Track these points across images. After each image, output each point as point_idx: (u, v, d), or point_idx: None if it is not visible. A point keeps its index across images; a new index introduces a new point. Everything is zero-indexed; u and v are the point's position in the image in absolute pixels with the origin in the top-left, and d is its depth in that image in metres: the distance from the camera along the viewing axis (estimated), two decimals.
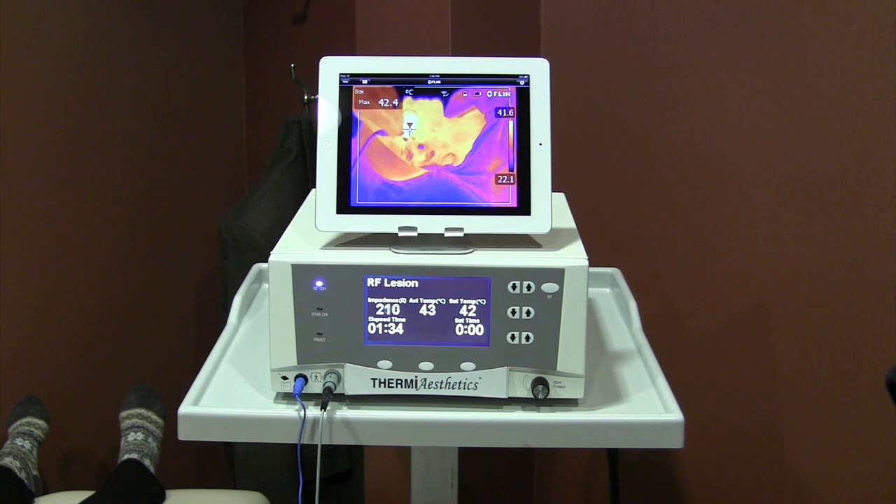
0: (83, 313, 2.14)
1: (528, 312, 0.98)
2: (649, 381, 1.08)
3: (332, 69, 1.03)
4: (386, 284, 0.98)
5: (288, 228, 1.09)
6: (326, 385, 0.99)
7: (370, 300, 0.98)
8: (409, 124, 1.03)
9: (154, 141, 2.27)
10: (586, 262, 0.97)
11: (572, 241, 1.04)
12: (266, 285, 1.33)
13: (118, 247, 2.21)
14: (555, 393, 0.99)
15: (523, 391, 1.00)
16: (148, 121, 2.25)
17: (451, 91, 1.03)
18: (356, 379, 0.99)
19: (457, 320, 0.98)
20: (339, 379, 0.99)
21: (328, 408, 0.98)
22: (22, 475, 1.67)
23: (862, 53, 1.32)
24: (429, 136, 1.02)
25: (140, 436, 1.74)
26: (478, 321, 0.98)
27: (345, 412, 0.99)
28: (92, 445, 2.15)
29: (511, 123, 1.02)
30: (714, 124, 1.56)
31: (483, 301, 0.98)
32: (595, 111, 1.74)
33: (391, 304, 0.98)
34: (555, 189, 1.04)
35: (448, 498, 1.34)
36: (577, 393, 1.00)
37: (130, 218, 2.23)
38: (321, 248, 1.01)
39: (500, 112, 1.03)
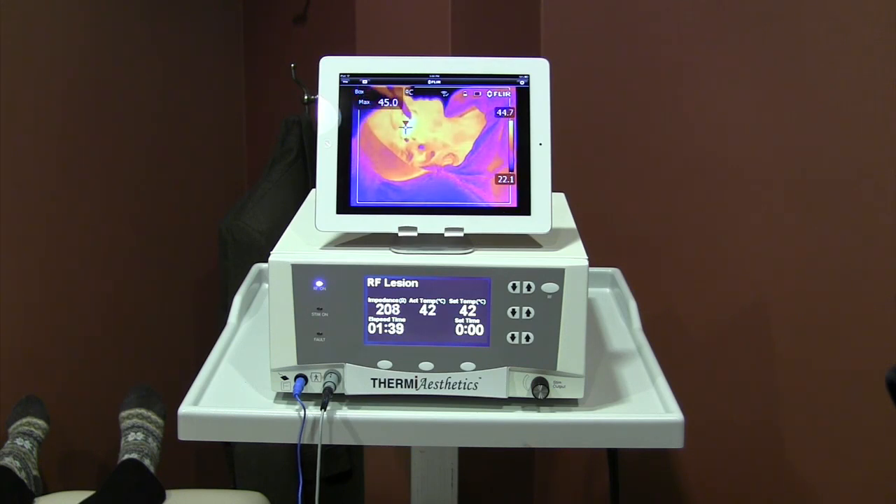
0: (83, 313, 2.14)
1: (528, 312, 0.98)
2: (649, 381, 1.08)
3: (332, 69, 1.03)
4: (386, 284, 0.98)
5: (288, 228, 1.09)
6: (326, 385, 0.99)
7: (370, 300, 0.98)
8: (409, 124, 1.03)
9: (154, 141, 2.27)
10: (586, 262, 0.97)
11: (572, 241, 1.04)
12: (266, 285, 1.33)
13: (118, 247, 2.21)
14: (555, 393, 0.99)
15: (523, 391, 1.00)
16: (148, 121, 2.25)
17: (451, 91, 1.03)
18: (356, 379, 0.99)
19: (457, 320, 0.98)
20: (339, 379, 0.99)
21: (328, 408, 0.98)
22: (22, 475, 1.67)
23: (862, 54, 1.32)
24: (429, 136, 1.03)
25: (140, 436, 1.74)
26: (478, 321, 0.98)
27: (345, 412, 0.99)
28: (92, 445, 2.15)
29: (511, 123, 1.02)
30: (714, 124, 1.56)
31: (483, 301, 0.98)
32: (595, 111, 1.74)
33: (391, 304, 0.98)
34: (555, 189, 1.04)
35: (448, 498, 1.34)
36: (577, 393, 1.00)
37: (130, 218, 2.23)
38: (321, 248, 1.01)
39: (500, 112, 1.03)
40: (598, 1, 1.70)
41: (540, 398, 0.99)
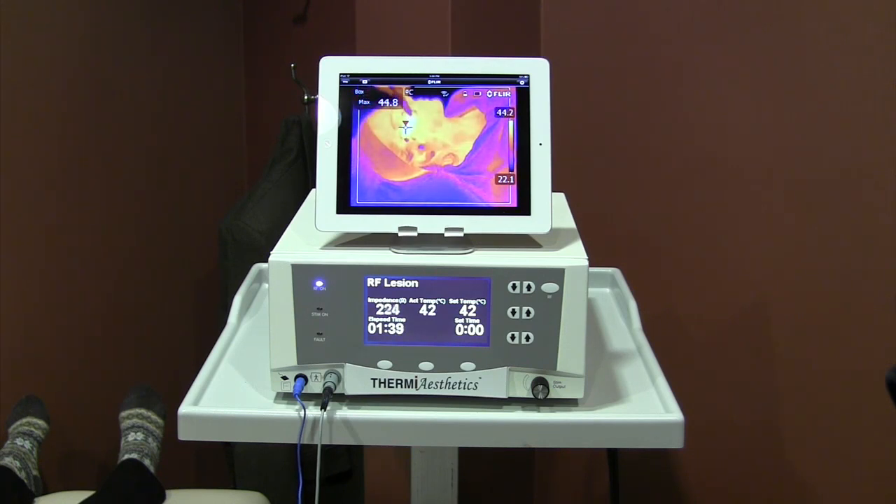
0: (83, 313, 2.14)
1: (528, 312, 0.98)
2: (649, 381, 1.08)
3: (332, 69, 1.03)
4: (386, 284, 0.98)
5: (288, 228, 1.09)
6: (326, 385, 0.99)
7: (370, 300, 0.98)
8: (409, 124, 1.03)
9: (154, 141, 2.27)
10: (586, 262, 0.97)
11: (572, 241, 1.04)
12: (266, 285, 1.33)
13: (118, 247, 2.21)
14: (555, 393, 0.99)
15: (523, 391, 1.00)
16: (148, 121, 2.25)
17: (451, 91, 1.03)
18: (356, 379, 0.99)
19: (457, 320, 0.98)
20: (339, 379, 0.99)
21: (328, 408, 0.98)
22: (22, 475, 1.67)
23: (862, 53, 1.32)
24: (429, 136, 1.02)
25: (140, 436, 1.74)
26: (478, 321, 0.98)
27: (345, 412, 0.99)
28: (92, 445, 2.15)
29: (511, 123, 1.02)
30: (714, 124, 1.56)
31: (483, 301, 0.98)
32: (595, 111, 1.74)
33: (391, 304, 0.98)
34: (555, 189, 1.04)
35: (448, 498, 1.34)
36: (577, 393, 1.00)
37: (130, 218, 2.23)
38: (321, 248, 1.01)
39: (500, 112, 1.03)
40: (598, 1, 1.70)
41: (540, 398, 0.99)
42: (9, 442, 1.76)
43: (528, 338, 0.98)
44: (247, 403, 1.02)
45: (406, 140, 1.02)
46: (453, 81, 1.03)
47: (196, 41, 2.35)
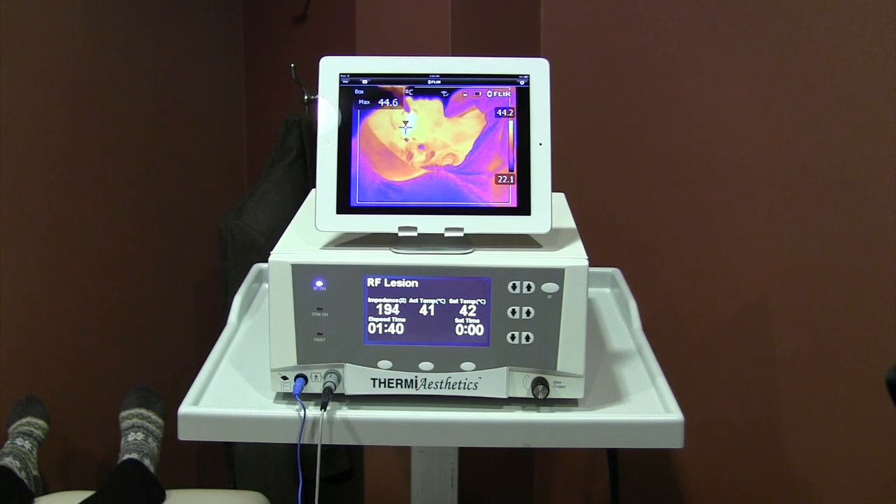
0: (83, 313, 2.14)
1: (528, 312, 0.98)
2: (649, 381, 1.08)
3: (332, 69, 1.04)
4: (386, 284, 0.98)
5: (288, 228, 1.09)
6: (326, 385, 0.99)
7: (370, 300, 0.98)
8: (409, 124, 1.03)
9: (154, 141, 2.27)
10: (586, 262, 0.97)
11: (572, 241, 1.04)
12: (266, 285, 1.33)
13: (118, 247, 2.21)
14: (555, 393, 0.99)
15: (523, 391, 1.00)
16: (148, 121, 2.25)
17: (451, 91, 1.03)
18: (356, 379, 0.99)
19: (457, 320, 0.98)
20: (339, 379, 0.99)
21: (328, 408, 0.98)
22: (22, 475, 1.67)
23: (862, 53, 1.32)
24: (429, 136, 1.02)
25: (140, 436, 1.74)
26: (478, 321, 0.98)
27: (345, 412, 0.99)
28: (92, 445, 2.15)
29: (511, 123, 1.02)
30: (714, 124, 1.56)
31: (483, 301, 0.98)
32: (595, 111, 1.74)
33: (391, 304, 0.98)
34: (555, 189, 1.04)
35: (448, 498, 1.34)
36: (577, 393, 1.00)
37: (130, 218, 2.23)
38: (321, 248, 1.01)
39: (500, 112, 1.03)
40: (598, 1, 1.70)
41: (540, 398, 0.99)
42: (9, 442, 1.76)
43: (528, 338, 0.98)
44: (247, 403, 1.02)
45: (406, 140, 1.02)
46: (453, 81, 1.03)
47: (196, 41, 2.35)
